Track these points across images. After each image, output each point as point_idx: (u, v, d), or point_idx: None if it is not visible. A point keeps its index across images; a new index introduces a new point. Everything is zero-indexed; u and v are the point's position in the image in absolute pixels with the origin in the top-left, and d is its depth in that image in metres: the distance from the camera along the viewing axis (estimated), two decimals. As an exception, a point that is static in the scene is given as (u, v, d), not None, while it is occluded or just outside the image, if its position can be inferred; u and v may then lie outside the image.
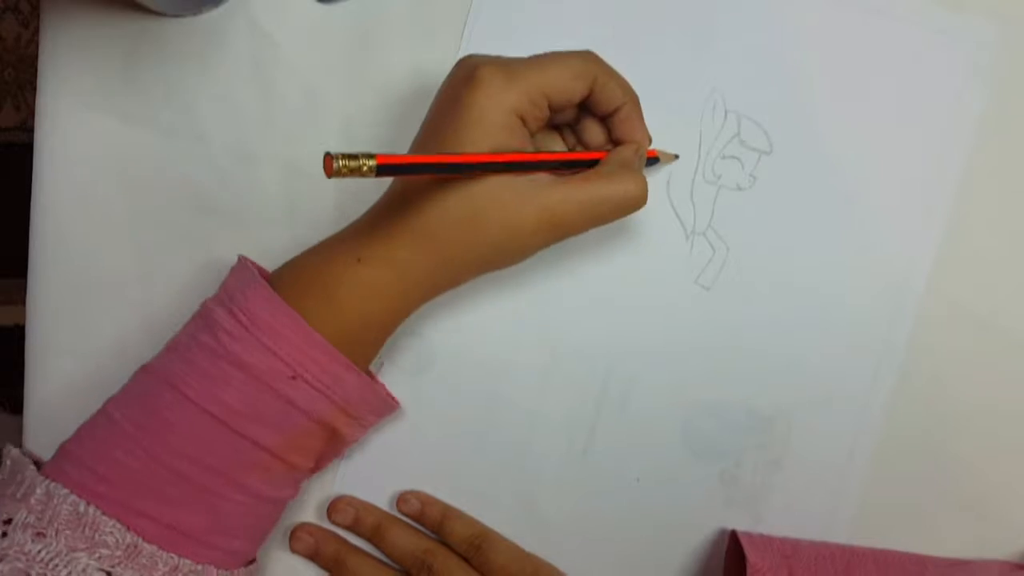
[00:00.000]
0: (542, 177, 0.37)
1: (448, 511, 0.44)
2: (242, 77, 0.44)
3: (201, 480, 0.35)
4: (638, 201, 0.37)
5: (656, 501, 0.44)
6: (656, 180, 0.44)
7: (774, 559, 0.40)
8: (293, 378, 0.35)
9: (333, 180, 0.44)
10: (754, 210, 0.44)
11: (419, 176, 0.34)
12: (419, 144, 0.38)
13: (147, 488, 0.34)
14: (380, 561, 0.44)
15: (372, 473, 0.45)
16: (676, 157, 0.43)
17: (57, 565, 0.33)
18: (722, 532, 0.44)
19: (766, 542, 0.42)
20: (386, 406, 0.40)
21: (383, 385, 0.41)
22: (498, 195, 0.36)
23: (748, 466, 0.44)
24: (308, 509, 0.44)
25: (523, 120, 0.36)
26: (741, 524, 0.44)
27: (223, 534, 0.36)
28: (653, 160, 0.42)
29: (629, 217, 0.44)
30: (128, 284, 0.44)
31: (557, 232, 0.37)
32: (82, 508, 0.33)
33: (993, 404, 0.44)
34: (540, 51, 0.43)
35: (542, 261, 0.44)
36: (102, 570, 0.33)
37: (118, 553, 0.33)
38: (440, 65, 0.44)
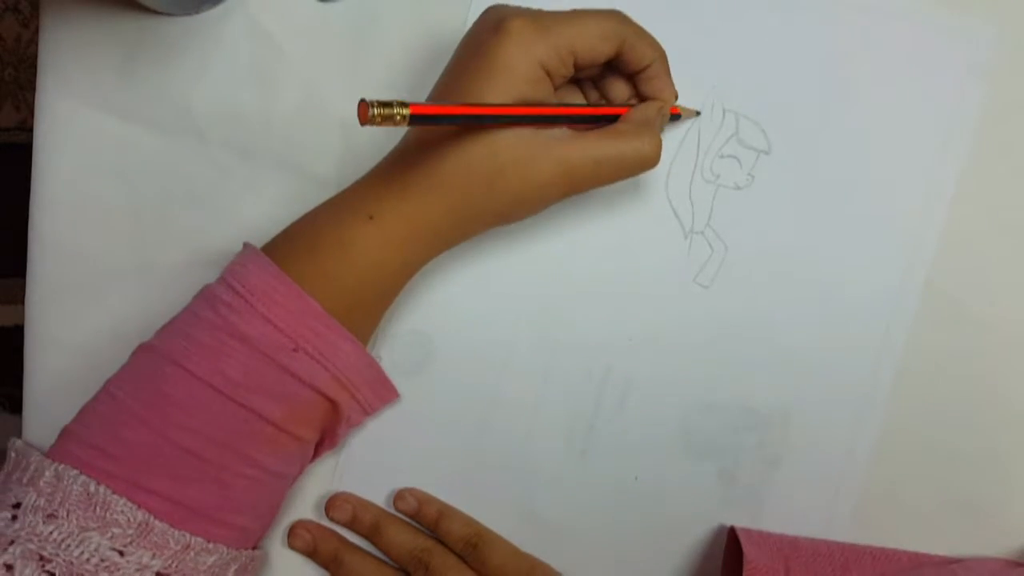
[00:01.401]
0: (561, 131, 0.37)
1: (445, 509, 0.44)
2: (242, 76, 0.44)
3: (209, 455, 0.35)
4: (651, 161, 0.38)
5: (655, 500, 0.44)
6: (655, 180, 0.44)
7: (771, 554, 0.40)
8: (295, 350, 0.35)
9: (333, 180, 0.44)
10: (752, 209, 0.44)
11: (448, 127, 0.34)
12: (439, 91, 0.38)
13: (155, 465, 0.34)
14: (378, 559, 0.44)
15: (370, 471, 0.45)
16: (698, 113, 0.43)
17: (69, 545, 0.33)
18: (720, 530, 0.44)
19: (764, 538, 0.42)
20: (383, 385, 0.39)
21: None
22: (518, 149, 0.36)
23: (747, 465, 0.44)
24: (306, 506, 0.45)
25: (548, 74, 0.36)
26: (740, 523, 0.44)
27: (233, 511, 0.36)
28: (675, 116, 0.42)
29: (628, 216, 0.44)
30: (127, 284, 0.44)
31: (572, 186, 0.37)
32: (92, 488, 0.33)
33: (992, 403, 0.44)
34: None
35: (541, 261, 0.44)
36: (114, 549, 0.33)
37: (130, 532, 0.33)
38: (439, 65, 0.44)
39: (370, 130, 0.44)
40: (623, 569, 0.45)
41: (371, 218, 0.36)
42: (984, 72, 0.43)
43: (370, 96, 0.31)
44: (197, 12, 0.44)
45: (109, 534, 0.33)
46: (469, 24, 0.44)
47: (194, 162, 0.44)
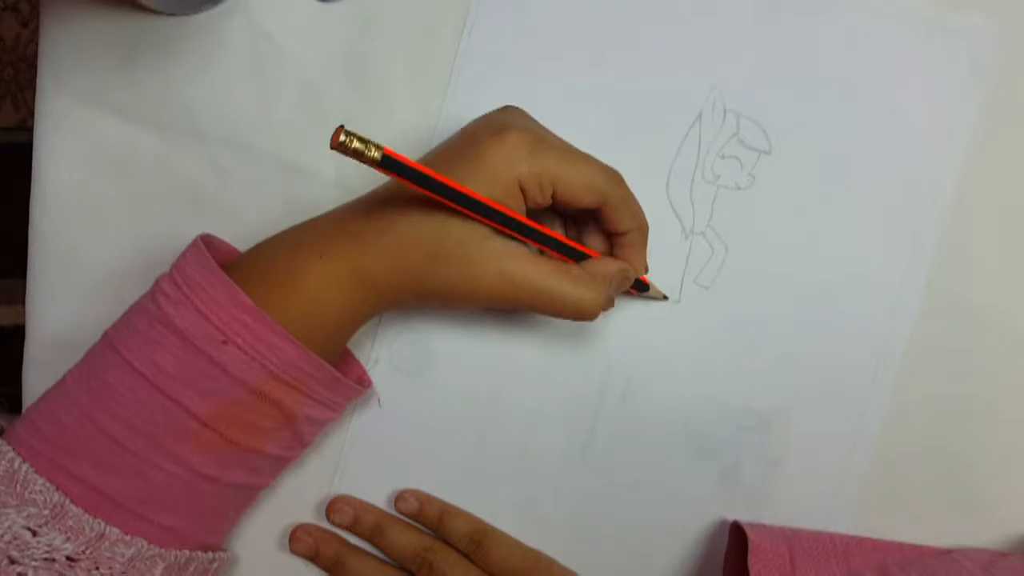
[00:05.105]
0: (519, 246, 0.37)
1: (446, 508, 0.44)
2: (241, 76, 0.44)
3: (132, 445, 0.35)
4: (587, 315, 0.38)
5: (656, 501, 0.44)
6: (656, 180, 0.44)
7: (775, 541, 0.41)
8: (224, 342, 0.35)
9: (333, 181, 0.44)
10: (753, 210, 0.44)
11: (413, 185, 0.34)
12: (424, 160, 0.38)
13: (79, 449, 0.35)
14: (381, 560, 0.44)
15: (370, 473, 0.45)
16: (666, 298, 0.44)
17: None
18: (722, 528, 0.44)
19: (767, 528, 0.42)
20: (341, 382, 0.38)
21: (361, 372, 0.41)
22: (468, 243, 0.36)
23: (748, 466, 0.44)
24: (307, 509, 0.44)
25: (524, 193, 0.37)
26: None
27: (154, 506, 0.35)
28: (643, 286, 0.43)
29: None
30: (127, 283, 0.44)
31: (507, 301, 0.38)
32: (17, 465, 0.34)
33: (992, 403, 0.44)
34: (540, 53, 0.44)
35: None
36: (27, 528, 0.33)
37: (45, 512, 0.33)
38: (440, 65, 0.44)
39: (369, 132, 0.44)
40: (624, 570, 0.45)
41: (321, 256, 0.37)
42: (984, 72, 0.43)
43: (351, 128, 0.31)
44: (197, 12, 0.44)
45: (25, 513, 0.33)
46: (468, 25, 0.44)
47: (193, 161, 0.44)
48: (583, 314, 0.38)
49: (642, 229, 0.40)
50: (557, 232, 0.40)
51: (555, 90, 0.44)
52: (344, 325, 0.38)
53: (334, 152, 0.41)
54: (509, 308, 0.38)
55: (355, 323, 0.39)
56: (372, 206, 0.38)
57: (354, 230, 0.37)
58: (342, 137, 0.31)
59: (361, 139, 0.31)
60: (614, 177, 0.39)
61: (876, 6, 0.43)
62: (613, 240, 0.40)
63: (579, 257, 0.40)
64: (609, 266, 0.39)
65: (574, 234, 0.41)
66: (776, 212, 0.44)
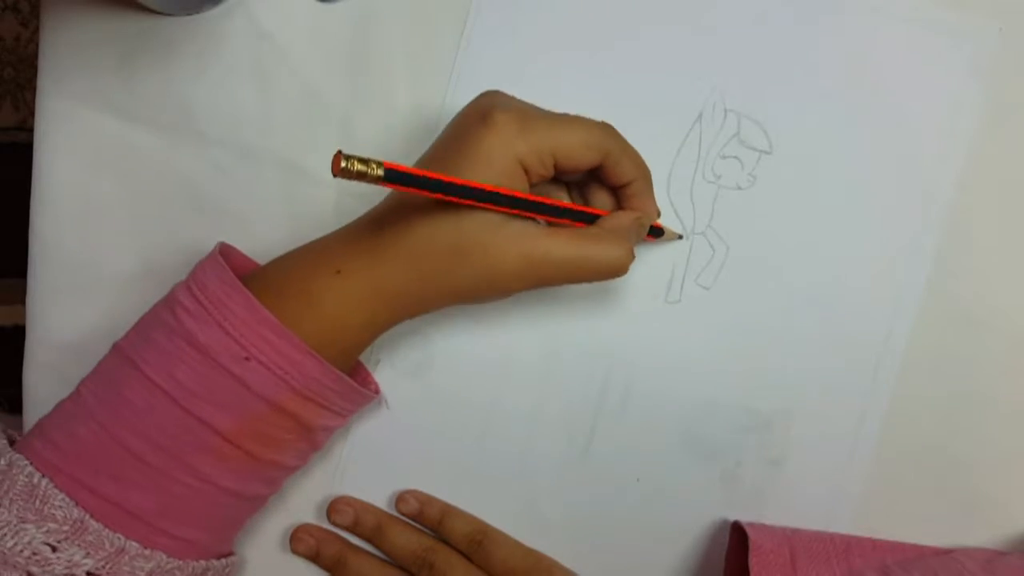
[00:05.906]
0: (531, 224, 0.37)
1: (447, 509, 0.44)
2: (242, 77, 0.44)
3: (152, 460, 0.34)
4: (619, 270, 0.38)
5: (656, 501, 0.44)
6: (657, 180, 0.44)
7: (776, 540, 0.41)
8: (246, 359, 0.34)
9: (333, 180, 0.44)
10: (754, 210, 0.44)
11: (419, 191, 0.34)
12: (419, 166, 0.38)
13: (98, 464, 0.34)
14: (381, 560, 0.44)
15: (371, 474, 0.45)
16: (680, 237, 0.44)
17: (4, 535, 0.33)
18: (722, 528, 0.44)
19: (767, 527, 0.42)
20: (358, 392, 0.39)
21: (365, 376, 0.41)
22: (484, 233, 0.36)
23: (748, 466, 0.44)
24: (308, 510, 0.45)
25: (526, 171, 0.36)
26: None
27: (174, 520, 0.35)
28: (657, 231, 0.42)
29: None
30: (127, 284, 0.44)
31: (536, 280, 0.37)
32: (36, 480, 0.34)
33: (993, 403, 0.44)
34: (540, 53, 0.44)
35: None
36: (47, 544, 0.33)
37: (65, 528, 0.33)
38: (440, 65, 0.44)
39: (370, 132, 0.44)
40: (625, 570, 0.45)
41: (338, 272, 0.36)
42: (984, 72, 0.43)
43: (349, 151, 0.31)
44: (197, 12, 0.44)
45: (45, 528, 0.33)
46: (469, 24, 0.44)
47: (193, 162, 0.44)
48: (614, 271, 0.38)
49: (646, 175, 0.40)
50: (564, 200, 0.40)
51: (555, 90, 0.44)
52: (362, 340, 0.38)
53: (334, 152, 0.41)
54: (538, 287, 0.38)
55: (372, 337, 0.39)
56: (383, 217, 0.37)
57: (369, 243, 0.37)
58: (343, 163, 0.31)
59: (361, 160, 0.31)
60: (608, 130, 0.38)
61: (876, 6, 0.43)
62: (619, 193, 0.40)
63: (592, 220, 0.39)
64: (623, 218, 0.39)
65: (579, 198, 0.41)
66: (777, 212, 0.44)
